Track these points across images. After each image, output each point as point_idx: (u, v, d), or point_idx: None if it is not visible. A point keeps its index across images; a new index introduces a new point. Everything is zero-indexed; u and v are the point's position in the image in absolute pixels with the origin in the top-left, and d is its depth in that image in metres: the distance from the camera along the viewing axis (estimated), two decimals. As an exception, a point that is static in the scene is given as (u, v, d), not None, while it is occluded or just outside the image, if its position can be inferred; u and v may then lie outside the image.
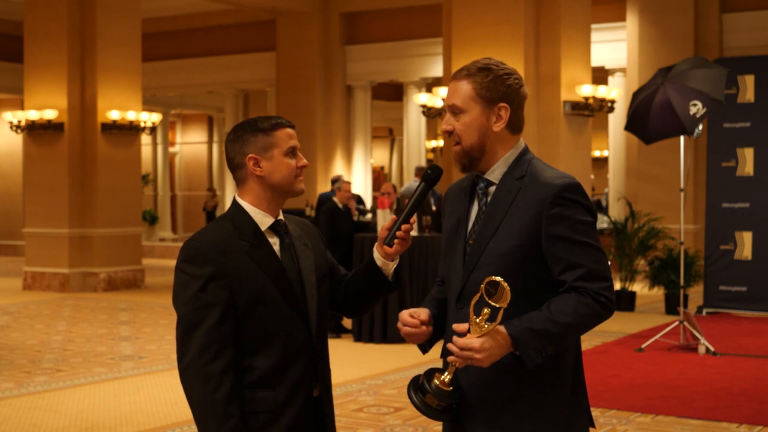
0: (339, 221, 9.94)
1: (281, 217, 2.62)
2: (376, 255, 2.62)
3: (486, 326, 2.29)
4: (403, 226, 2.56)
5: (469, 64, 2.51)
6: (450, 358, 2.36)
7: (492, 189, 2.50)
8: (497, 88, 2.46)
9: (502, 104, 2.47)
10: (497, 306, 2.26)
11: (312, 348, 2.57)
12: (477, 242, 2.47)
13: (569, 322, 2.35)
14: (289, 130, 2.57)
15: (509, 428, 2.43)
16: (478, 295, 2.29)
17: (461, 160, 2.50)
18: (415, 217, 2.63)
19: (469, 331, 2.32)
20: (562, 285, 2.40)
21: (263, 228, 2.56)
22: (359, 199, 16.50)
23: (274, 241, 2.58)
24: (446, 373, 2.42)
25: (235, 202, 2.60)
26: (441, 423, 2.59)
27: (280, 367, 2.50)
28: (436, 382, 2.42)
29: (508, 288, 2.25)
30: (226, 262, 2.47)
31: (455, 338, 2.34)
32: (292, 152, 2.56)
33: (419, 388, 2.45)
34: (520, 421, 2.42)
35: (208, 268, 2.46)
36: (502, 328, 2.32)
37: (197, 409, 2.44)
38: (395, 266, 2.64)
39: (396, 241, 2.57)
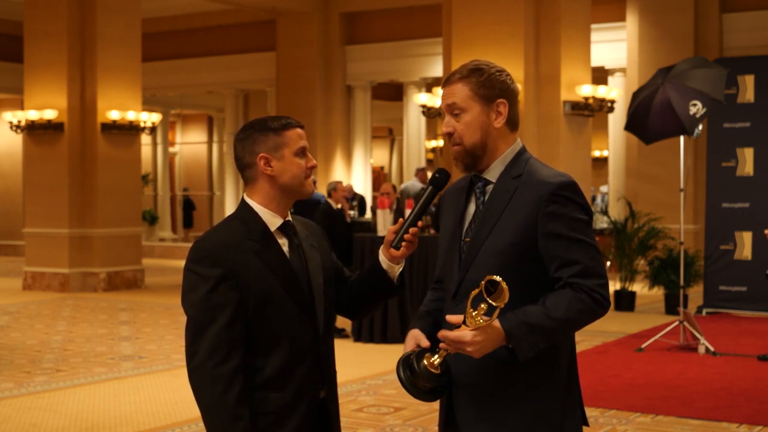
0: (335, 222, 9.93)
1: (290, 218, 2.61)
2: (382, 258, 2.61)
3: (481, 321, 2.30)
4: (411, 229, 2.56)
5: (458, 68, 2.55)
6: (441, 345, 2.38)
7: (489, 188, 2.52)
8: (494, 86, 2.50)
9: (500, 100, 2.51)
10: (495, 305, 2.28)
11: (318, 349, 2.56)
12: (473, 240, 2.49)
13: (564, 317, 2.37)
14: (299, 131, 2.56)
15: (498, 419, 2.43)
16: (477, 290, 2.29)
17: (463, 159, 2.52)
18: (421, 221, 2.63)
19: (464, 322, 2.33)
20: (557, 282, 2.42)
21: (272, 228, 2.55)
22: (361, 200, 16.46)
23: (283, 242, 2.56)
24: (437, 356, 2.42)
25: (243, 202, 2.58)
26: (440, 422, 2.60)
27: (287, 368, 2.49)
28: (425, 363, 2.43)
29: (507, 288, 2.26)
30: (236, 262, 2.45)
31: (447, 330, 2.35)
32: (302, 152, 2.55)
33: (408, 366, 2.45)
34: (511, 413, 2.43)
35: (218, 269, 2.44)
36: (496, 322, 2.33)
37: (206, 410, 2.43)
38: (401, 269, 2.63)
39: (403, 244, 2.56)
